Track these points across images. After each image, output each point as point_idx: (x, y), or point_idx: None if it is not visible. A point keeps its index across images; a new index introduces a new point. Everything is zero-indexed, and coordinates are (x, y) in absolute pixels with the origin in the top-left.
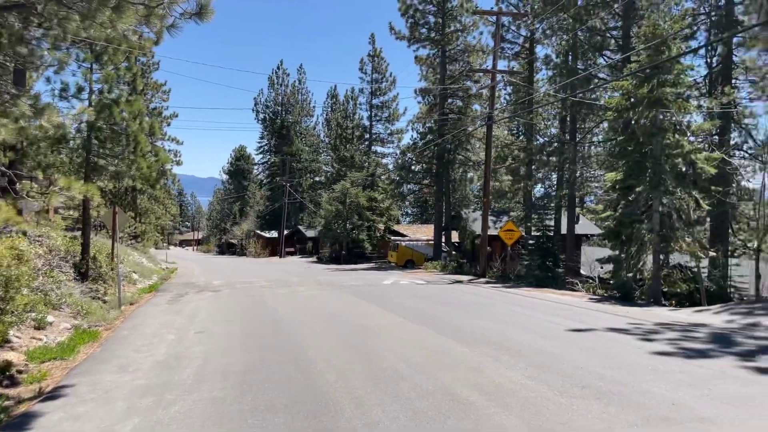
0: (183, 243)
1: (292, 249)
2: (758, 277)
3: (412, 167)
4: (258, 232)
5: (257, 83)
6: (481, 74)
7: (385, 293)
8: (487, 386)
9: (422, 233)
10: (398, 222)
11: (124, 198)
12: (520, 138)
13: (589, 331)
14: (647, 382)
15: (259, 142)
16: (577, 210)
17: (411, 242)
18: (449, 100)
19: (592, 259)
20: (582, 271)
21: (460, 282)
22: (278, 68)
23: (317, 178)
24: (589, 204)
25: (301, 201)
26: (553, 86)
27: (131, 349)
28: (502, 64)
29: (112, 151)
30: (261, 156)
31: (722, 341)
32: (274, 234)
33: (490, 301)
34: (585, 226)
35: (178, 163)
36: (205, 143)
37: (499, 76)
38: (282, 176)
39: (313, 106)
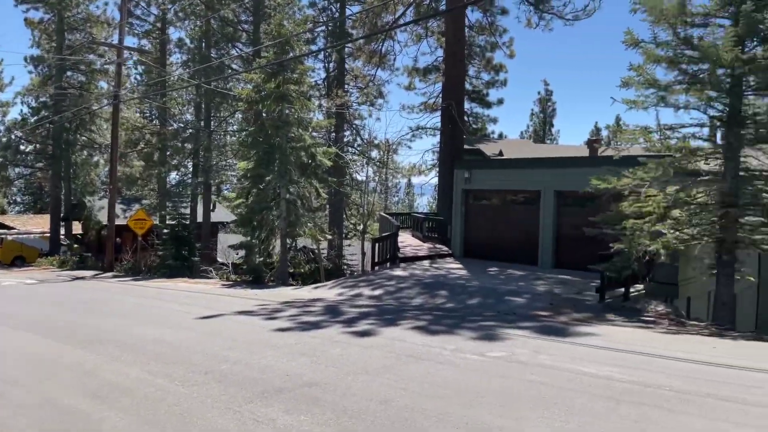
0: None
1: None
2: (363, 254)
3: (21, 147)
4: None
5: None
6: (106, 48)
7: None
8: (102, 390)
9: (35, 225)
10: (3, 212)
11: None
12: (154, 122)
13: (219, 316)
14: (267, 358)
15: None
16: (214, 198)
17: (21, 236)
18: (69, 73)
19: (228, 245)
20: (218, 259)
21: (83, 278)
22: None
23: None
24: (227, 192)
25: None
26: (187, 71)
27: None
28: (131, 41)
29: None
30: None
31: (333, 312)
32: None
33: (115, 296)
34: (222, 213)
35: None
36: None
37: (127, 53)
38: None
39: None
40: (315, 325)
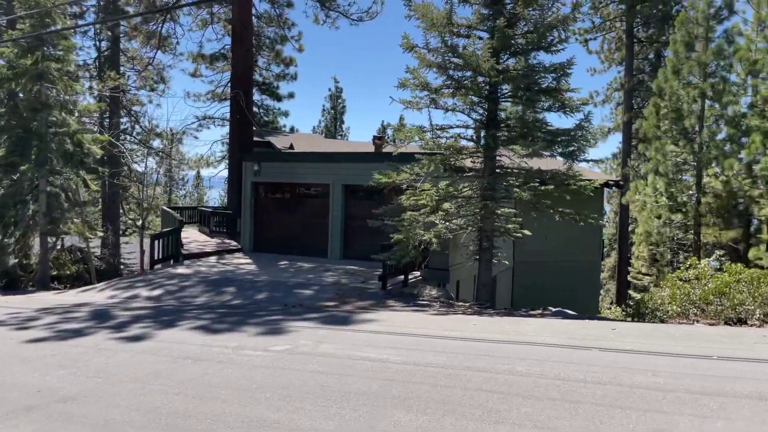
0: None
1: None
2: (143, 252)
3: None
4: None
5: None
6: None
7: None
8: None
9: None
10: None
11: None
12: None
13: None
14: (15, 374)
15: None
16: None
17: None
18: None
19: None
20: None
21: None
22: None
23: None
24: None
25: None
26: None
27: None
28: None
29: None
30: None
31: (101, 317)
32: None
33: None
34: None
35: None
36: None
37: None
38: None
39: None
40: (78, 333)
